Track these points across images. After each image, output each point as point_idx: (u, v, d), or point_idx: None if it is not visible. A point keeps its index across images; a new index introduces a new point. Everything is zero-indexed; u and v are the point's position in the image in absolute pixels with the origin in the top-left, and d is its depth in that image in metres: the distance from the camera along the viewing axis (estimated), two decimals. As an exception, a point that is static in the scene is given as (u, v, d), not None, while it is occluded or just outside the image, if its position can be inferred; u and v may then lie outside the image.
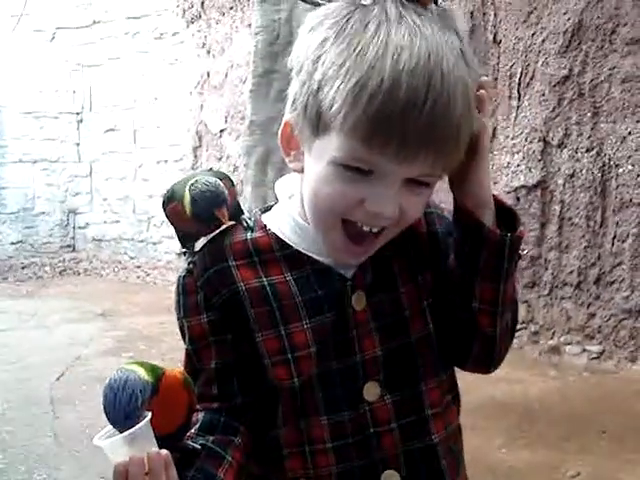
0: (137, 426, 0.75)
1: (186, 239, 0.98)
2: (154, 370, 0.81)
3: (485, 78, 0.84)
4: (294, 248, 0.88)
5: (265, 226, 0.91)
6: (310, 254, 0.88)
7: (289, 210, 0.90)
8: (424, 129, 0.73)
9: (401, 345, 0.88)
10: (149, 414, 0.77)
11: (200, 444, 0.85)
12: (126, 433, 0.75)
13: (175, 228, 0.99)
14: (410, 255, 0.90)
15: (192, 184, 0.91)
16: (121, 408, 0.76)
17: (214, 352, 0.89)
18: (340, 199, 0.79)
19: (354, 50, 0.74)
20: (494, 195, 0.85)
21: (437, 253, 0.91)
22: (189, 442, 0.85)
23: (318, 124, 0.78)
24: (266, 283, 0.87)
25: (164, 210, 0.97)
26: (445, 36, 0.76)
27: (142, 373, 0.79)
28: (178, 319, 0.91)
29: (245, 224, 0.92)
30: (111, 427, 0.77)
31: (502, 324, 0.88)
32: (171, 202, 0.94)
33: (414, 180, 0.79)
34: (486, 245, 0.83)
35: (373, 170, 0.77)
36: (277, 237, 0.89)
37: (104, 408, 0.76)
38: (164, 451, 0.75)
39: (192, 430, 0.87)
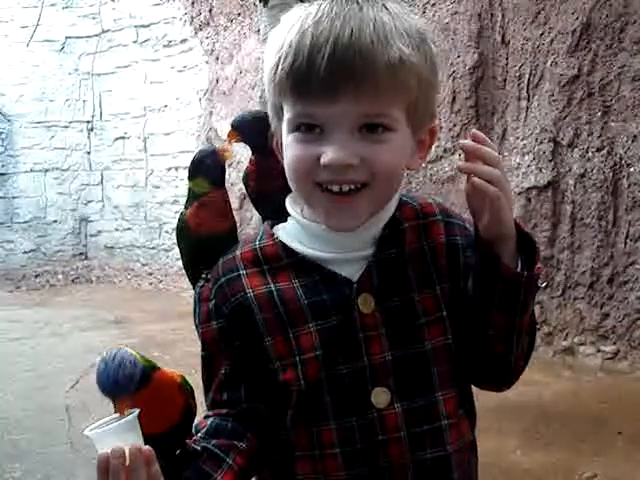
0: (123, 419, 0.79)
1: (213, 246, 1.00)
2: (150, 361, 0.85)
3: (463, 142, 0.83)
4: (300, 255, 0.89)
5: (273, 234, 0.93)
6: (316, 256, 0.89)
7: (294, 215, 0.92)
8: (330, 65, 0.78)
9: (415, 353, 0.88)
10: (137, 410, 0.80)
11: (201, 447, 0.87)
12: (112, 425, 0.79)
13: (199, 242, 1.02)
14: (428, 263, 0.90)
15: (190, 184, 0.97)
16: (110, 375, 0.81)
17: (224, 358, 0.90)
18: (300, 160, 0.84)
19: (280, 37, 0.84)
20: (517, 224, 0.84)
21: (456, 265, 0.90)
22: (191, 444, 0.87)
23: (277, 107, 0.87)
24: (273, 289, 0.89)
25: (186, 232, 1.02)
26: None
27: (134, 353, 0.83)
28: (195, 326, 0.94)
29: None
30: (102, 421, 0.81)
31: (517, 351, 0.89)
32: (187, 214, 1.00)
33: (365, 126, 0.82)
34: (501, 280, 0.83)
35: (321, 126, 0.82)
36: (284, 245, 0.91)
37: (96, 378, 0.81)
38: (146, 447, 0.77)
39: (198, 434, 0.88)
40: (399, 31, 0.81)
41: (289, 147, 0.85)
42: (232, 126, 1.04)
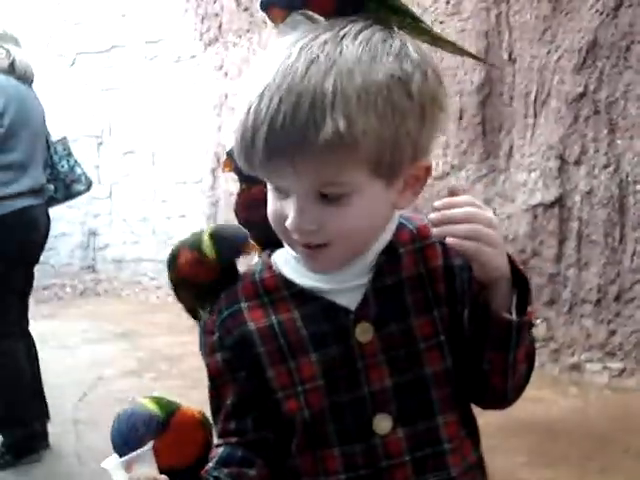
0: (136, 452, 0.83)
1: (200, 297, 1.02)
2: (167, 406, 0.88)
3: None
4: (299, 286, 0.91)
5: (271, 266, 0.94)
6: (314, 287, 0.90)
7: (289, 249, 0.93)
8: (266, 149, 0.80)
9: (415, 378, 0.89)
10: (151, 443, 0.84)
11: (214, 476, 0.88)
12: (125, 457, 0.82)
13: (186, 287, 1.04)
14: (425, 287, 0.90)
15: (211, 229, 0.98)
16: (122, 437, 0.85)
17: (230, 389, 0.92)
18: (274, 217, 0.87)
19: (238, 106, 0.85)
20: (512, 261, 0.84)
21: (453, 288, 0.91)
22: (204, 475, 0.89)
23: None
24: (274, 321, 0.90)
25: (173, 268, 1.02)
26: (319, 50, 0.80)
27: (151, 407, 0.86)
28: (202, 357, 0.97)
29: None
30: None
31: (514, 380, 0.89)
32: (183, 252, 1.00)
33: (323, 192, 0.82)
34: (493, 322, 0.84)
35: (285, 189, 0.84)
36: (282, 276, 0.93)
37: (110, 437, 0.86)
38: (163, 476, 0.80)
39: (210, 464, 0.90)
40: (346, 95, 0.78)
41: (268, 197, 0.88)
42: (228, 155, 1.07)
